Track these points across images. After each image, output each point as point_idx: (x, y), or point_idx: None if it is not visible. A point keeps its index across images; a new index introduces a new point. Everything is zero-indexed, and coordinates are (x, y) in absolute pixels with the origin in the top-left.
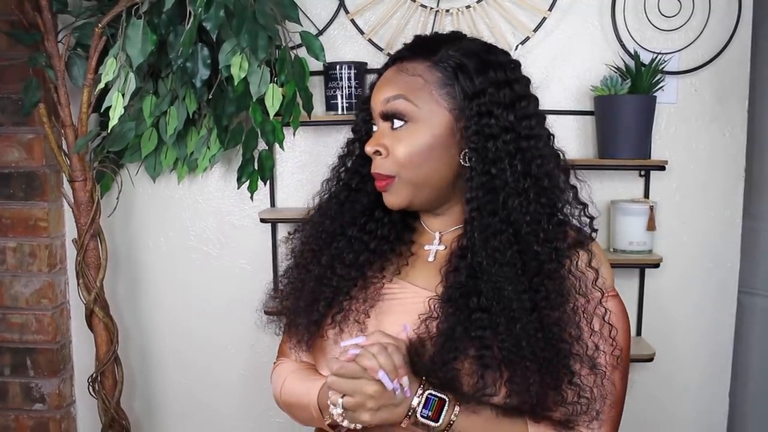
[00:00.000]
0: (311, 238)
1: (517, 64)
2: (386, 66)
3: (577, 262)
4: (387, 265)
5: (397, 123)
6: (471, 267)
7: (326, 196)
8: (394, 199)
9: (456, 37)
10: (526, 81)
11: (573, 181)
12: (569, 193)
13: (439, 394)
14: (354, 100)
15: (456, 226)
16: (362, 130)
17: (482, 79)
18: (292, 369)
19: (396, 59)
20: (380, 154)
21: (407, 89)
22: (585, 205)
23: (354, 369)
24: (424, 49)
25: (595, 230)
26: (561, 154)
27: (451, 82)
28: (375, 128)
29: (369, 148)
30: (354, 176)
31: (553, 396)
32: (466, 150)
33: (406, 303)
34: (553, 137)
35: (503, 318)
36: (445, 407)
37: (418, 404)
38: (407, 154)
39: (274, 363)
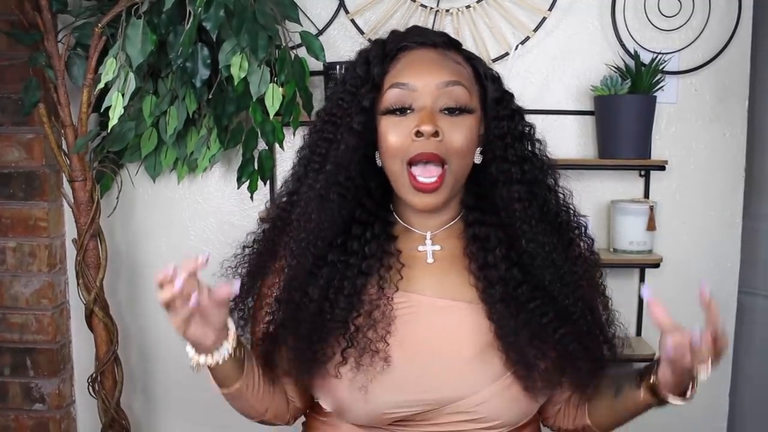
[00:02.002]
0: (293, 262)
1: None
2: (400, 47)
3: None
4: (383, 283)
5: (454, 109)
6: (503, 256)
7: (317, 202)
8: (437, 199)
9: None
10: None
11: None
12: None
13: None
14: None
15: (447, 224)
16: (359, 119)
17: (498, 85)
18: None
19: (424, 43)
20: (438, 136)
21: (462, 77)
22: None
23: None
24: (451, 42)
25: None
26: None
27: (480, 81)
28: (408, 111)
29: (429, 128)
30: (348, 181)
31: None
32: (482, 147)
33: (418, 315)
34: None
35: (571, 301)
36: None
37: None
38: (464, 142)
39: None
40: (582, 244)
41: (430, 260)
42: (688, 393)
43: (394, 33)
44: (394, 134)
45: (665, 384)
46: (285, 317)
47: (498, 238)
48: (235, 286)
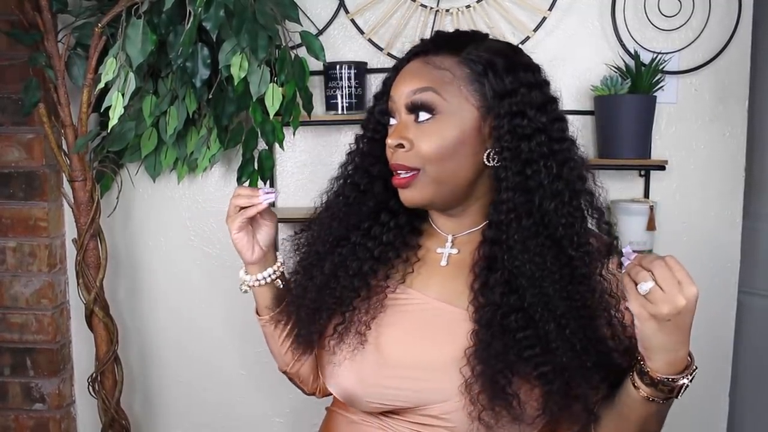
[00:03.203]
0: (317, 240)
1: (541, 68)
2: (406, 59)
3: (608, 266)
4: (392, 272)
5: (424, 116)
6: (504, 281)
7: (333, 195)
8: (414, 195)
9: (480, 35)
10: (550, 84)
11: (592, 186)
12: (593, 198)
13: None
14: (354, 100)
15: (471, 228)
16: (374, 127)
17: (512, 78)
18: None
19: (419, 53)
20: (403, 147)
21: (436, 82)
22: (602, 212)
23: None
24: (450, 44)
25: (617, 237)
26: (586, 159)
27: (481, 79)
28: (393, 121)
29: (391, 141)
30: (363, 176)
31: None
32: (492, 149)
33: (409, 311)
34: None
35: (554, 327)
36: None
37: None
38: (435, 147)
39: None
40: (588, 260)
41: (443, 263)
42: (687, 371)
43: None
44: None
45: (651, 360)
46: (297, 289)
47: (503, 259)
48: (272, 195)
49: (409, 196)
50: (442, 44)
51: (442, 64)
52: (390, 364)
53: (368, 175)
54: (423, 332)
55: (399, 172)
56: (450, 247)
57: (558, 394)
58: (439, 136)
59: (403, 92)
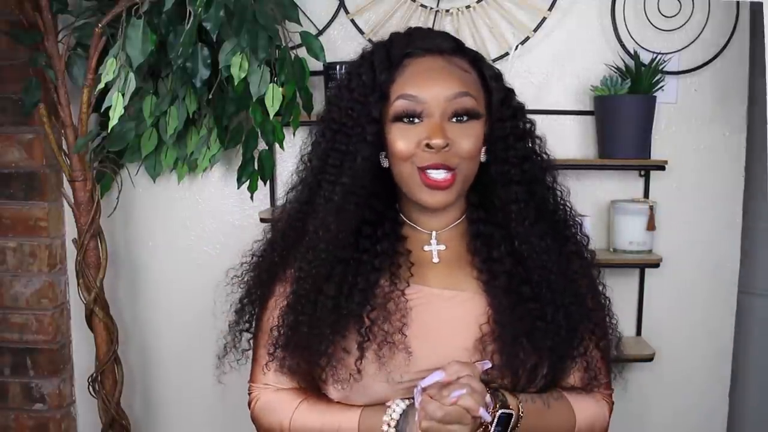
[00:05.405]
0: (310, 270)
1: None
2: (405, 53)
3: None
4: (393, 278)
5: (461, 118)
6: (508, 253)
7: (314, 217)
8: (449, 197)
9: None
10: None
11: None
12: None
13: (508, 411)
14: None
15: (452, 223)
16: (370, 131)
17: (501, 84)
18: (299, 397)
19: (431, 49)
20: (447, 147)
21: (470, 86)
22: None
23: (459, 412)
24: (458, 45)
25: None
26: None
27: (482, 83)
28: (417, 120)
29: (440, 141)
30: (361, 189)
31: (580, 363)
32: (487, 146)
33: (436, 307)
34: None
35: (555, 301)
36: (512, 420)
37: (491, 423)
38: (472, 147)
39: (254, 389)
40: (579, 240)
41: (435, 260)
42: None
43: (396, 36)
44: (403, 142)
45: None
46: (302, 317)
47: (501, 235)
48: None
49: (443, 199)
50: (452, 45)
51: (464, 66)
52: (443, 360)
53: (365, 188)
54: (449, 321)
55: (438, 172)
56: (437, 244)
57: (556, 364)
58: (474, 136)
59: (439, 93)
